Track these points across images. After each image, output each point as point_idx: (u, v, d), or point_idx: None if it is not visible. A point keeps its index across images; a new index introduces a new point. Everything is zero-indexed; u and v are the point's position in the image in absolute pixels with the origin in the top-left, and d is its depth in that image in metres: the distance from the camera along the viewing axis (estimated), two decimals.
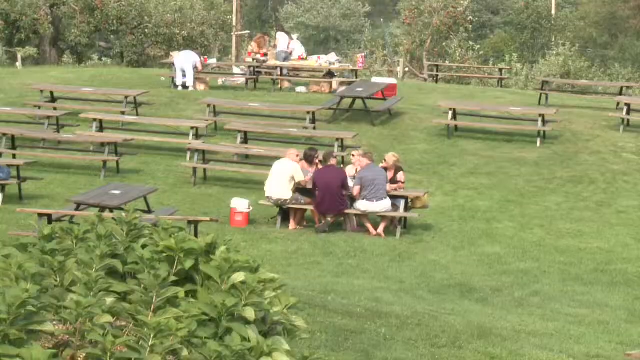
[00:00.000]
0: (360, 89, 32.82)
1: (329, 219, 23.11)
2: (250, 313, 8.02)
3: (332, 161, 23.79)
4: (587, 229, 24.62)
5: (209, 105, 30.94)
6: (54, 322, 6.57)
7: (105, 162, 27.30)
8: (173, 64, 36.89)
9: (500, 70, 51.35)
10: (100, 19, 57.80)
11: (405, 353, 12.98)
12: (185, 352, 7.01)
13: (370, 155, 24.00)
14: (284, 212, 23.40)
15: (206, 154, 27.55)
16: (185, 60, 36.73)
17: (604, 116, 31.94)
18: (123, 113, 31.20)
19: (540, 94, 36.00)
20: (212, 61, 44.21)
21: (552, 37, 75.81)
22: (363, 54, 49.32)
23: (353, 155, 24.72)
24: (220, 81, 38.30)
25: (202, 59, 38.78)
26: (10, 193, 24.08)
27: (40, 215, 19.75)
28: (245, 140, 28.49)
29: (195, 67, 36.74)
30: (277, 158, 24.43)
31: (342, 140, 27.41)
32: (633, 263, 21.90)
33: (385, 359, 12.58)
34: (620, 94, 35.84)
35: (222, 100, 32.35)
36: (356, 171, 23.47)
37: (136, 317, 7.27)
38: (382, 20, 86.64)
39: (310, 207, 23.22)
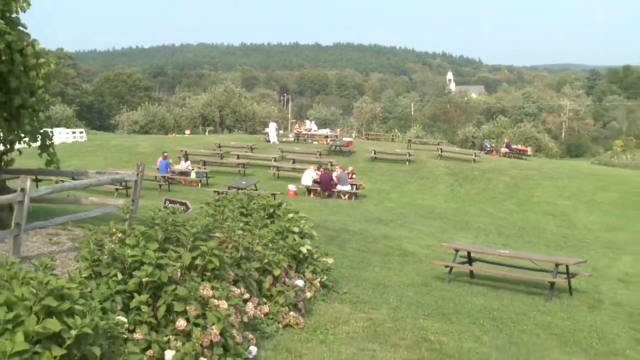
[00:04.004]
0: (338, 142, 32.54)
1: (326, 193, 22.97)
2: (295, 229, 8.06)
3: (326, 170, 23.80)
4: (426, 197, 24.49)
5: (280, 149, 30.75)
6: (218, 232, 6.54)
7: (239, 170, 27.06)
8: (267, 132, 36.77)
9: (392, 135, 51.33)
10: (238, 115, 57.91)
11: (356, 245, 12.91)
12: (270, 245, 7.03)
13: (342, 167, 23.87)
14: (309, 190, 23.29)
15: (278, 167, 27.42)
16: (271, 126, 36.40)
17: (431, 153, 31.75)
18: (246, 151, 31.07)
19: (407, 144, 35.74)
20: (281, 132, 44.09)
21: (412, 122, 75.68)
22: (339, 129, 49.25)
23: (336, 168, 24.57)
24: (283, 139, 38.06)
25: (277, 126, 38.98)
26: (204, 183, 24.07)
27: (215, 192, 19.67)
28: (294, 162, 28.35)
29: (276, 129, 36.56)
30: (306, 168, 24.35)
31: (331, 162, 27.19)
32: (442, 210, 21.79)
33: (349, 248, 12.51)
34: (438, 144, 35.72)
35: (284, 146, 32.10)
36: (337, 174, 23.33)
37: (252, 230, 7.26)
38: (347, 116, 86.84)
39: (318, 188, 23.12)
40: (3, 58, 8.01)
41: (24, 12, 8.31)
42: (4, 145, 9.50)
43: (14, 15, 8.22)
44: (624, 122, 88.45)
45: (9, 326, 3.54)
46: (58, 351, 3.63)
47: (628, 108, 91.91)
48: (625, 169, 39.62)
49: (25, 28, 8.48)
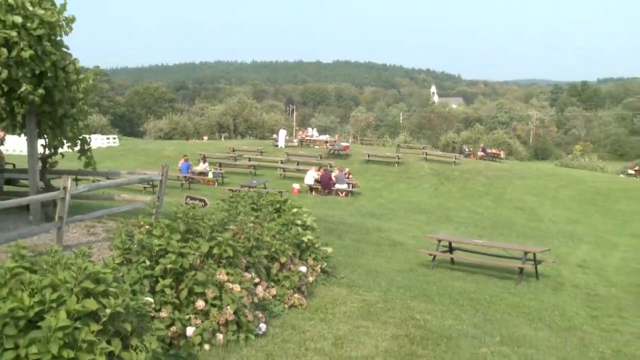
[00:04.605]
0: (337, 147, 32.41)
1: (326, 191, 22.86)
2: (299, 222, 8.03)
3: (326, 170, 23.71)
4: (412, 194, 24.38)
5: (286, 153, 30.63)
6: (232, 225, 6.53)
7: (250, 171, 26.95)
8: (275, 138, 36.63)
9: (383, 141, 50.86)
10: (249, 123, 57.76)
11: (352, 236, 12.88)
12: (277, 235, 7.00)
13: (340, 168, 23.79)
14: (311, 189, 23.19)
15: (285, 168, 27.31)
16: (281, 133, 36.08)
17: (417, 156, 31.66)
18: (257, 154, 30.95)
19: (397, 149, 35.52)
20: (287, 137, 43.96)
21: (400, 129, 75.42)
22: (337, 135, 49.07)
23: (335, 169, 24.43)
24: (289, 144, 37.88)
25: (287, 132, 38.78)
26: (220, 182, 24.02)
27: (229, 190, 19.46)
28: (298, 164, 28.25)
29: (285, 136, 36.33)
30: (308, 169, 24.25)
31: (330, 164, 27.09)
32: (427, 205, 21.71)
33: (346, 238, 12.48)
34: (423, 149, 35.59)
35: (289, 150, 32.01)
36: (336, 174, 23.18)
37: (261, 223, 7.24)
38: (344, 124, 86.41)
39: (319, 187, 23.01)
40: (49, 75, 8.06)
41: (67, 35, 8.34)
42: (49, 149, 9.54)
43: (58, 38, 8.27)
44: (582, 129, 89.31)
45: (54, 305, 3.58)
46: (95, 327, 3.67)
47: (586, 118, 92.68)
48: (584, 170, 39.70)
49: (68, 49, 8.52)
